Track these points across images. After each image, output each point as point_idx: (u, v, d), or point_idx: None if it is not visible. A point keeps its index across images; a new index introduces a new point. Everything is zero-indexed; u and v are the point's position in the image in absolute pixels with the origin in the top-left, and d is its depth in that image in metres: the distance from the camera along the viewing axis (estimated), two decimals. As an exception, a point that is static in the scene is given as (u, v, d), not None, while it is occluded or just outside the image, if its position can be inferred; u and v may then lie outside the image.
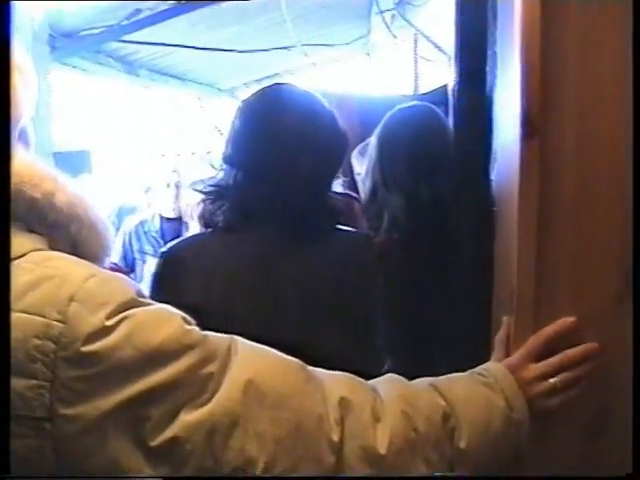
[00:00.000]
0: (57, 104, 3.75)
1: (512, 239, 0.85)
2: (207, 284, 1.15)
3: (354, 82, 6.03)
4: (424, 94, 3.30)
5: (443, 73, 3.03)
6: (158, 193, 3.19)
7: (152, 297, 1.17)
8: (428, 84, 3.46)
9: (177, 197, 3.20)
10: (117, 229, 3.23)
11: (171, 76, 5.46)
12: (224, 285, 1.15)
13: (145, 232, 3.20)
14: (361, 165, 2.04)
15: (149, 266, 3.05)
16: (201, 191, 1.23)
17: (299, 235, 1.18)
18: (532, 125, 0.80)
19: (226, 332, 1.12)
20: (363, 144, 2.05)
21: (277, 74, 5.82)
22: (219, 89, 6.10)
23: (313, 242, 1.19)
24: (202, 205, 1.22)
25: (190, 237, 1.27)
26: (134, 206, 3.75)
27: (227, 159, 1.21)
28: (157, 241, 3.17)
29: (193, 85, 5.80)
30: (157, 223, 3.21)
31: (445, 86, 2.81)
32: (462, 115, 1.04)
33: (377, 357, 1.25)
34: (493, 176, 0.98)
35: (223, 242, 1.18)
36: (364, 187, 1.62)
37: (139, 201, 3.62)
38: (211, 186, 1.23)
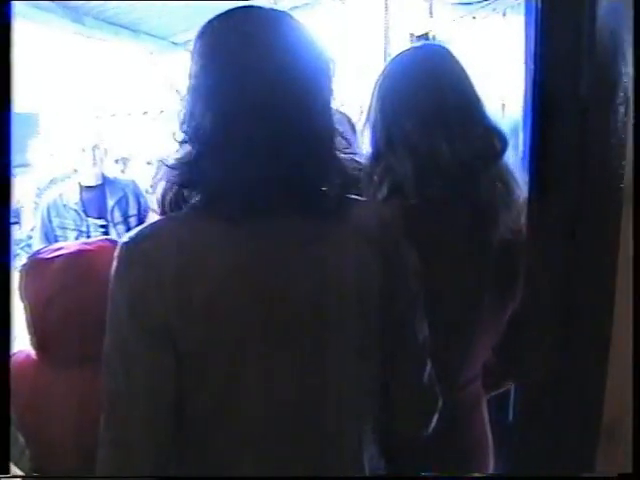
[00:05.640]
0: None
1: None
2: (188, 290, 0.87)
3: (325, 30, 5.67)
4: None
5: (420, 21, 2.70)
6: (75, 159, 2.79)
7: (114, 312, 0.90)
8: (401, 35, 3.13)
9: (96, 162, 2.82)
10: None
11: (121, 27, 4.99)
12: (213, 287, 0.88)
13: (64, 205, 2.82)
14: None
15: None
16: (169, 171, 0.92)
17: (311, 211, 0.91)
18: None
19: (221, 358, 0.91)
20: None
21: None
22: (174, 43, 5.65)
23: (327, 221, 0.92)
24: (168, 187, 0.93)
25: (157, 222, 0.95)
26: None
27: (195, 124, 0.90)
28: (78, 214, 2.81)
29: (145, 38, 5.33)
30: (76, 194, 2.83)
31: (426, 35, 2.49)
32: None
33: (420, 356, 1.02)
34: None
35: (204, 231, 0.90)
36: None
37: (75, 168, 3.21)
38: (177, 163, 0.92)
